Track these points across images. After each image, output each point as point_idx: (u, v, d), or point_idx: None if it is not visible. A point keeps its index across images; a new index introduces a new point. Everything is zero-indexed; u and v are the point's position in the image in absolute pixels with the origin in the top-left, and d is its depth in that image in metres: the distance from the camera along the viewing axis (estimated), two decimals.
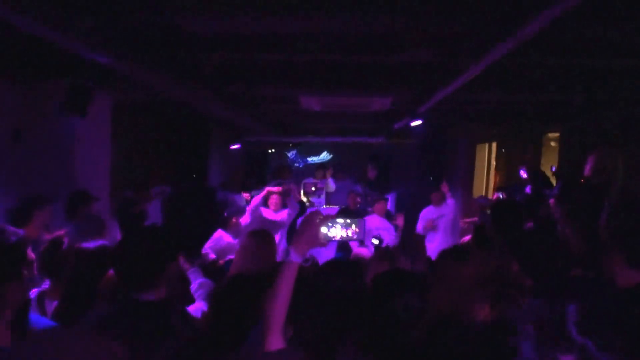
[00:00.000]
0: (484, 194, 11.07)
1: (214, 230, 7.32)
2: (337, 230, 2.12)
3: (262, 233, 3.81)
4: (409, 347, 2.06)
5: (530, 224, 5.00)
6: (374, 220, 8.07)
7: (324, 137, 13.33)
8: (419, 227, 8.91)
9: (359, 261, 4.61)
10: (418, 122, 8.13)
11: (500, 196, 8.56)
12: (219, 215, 10.31)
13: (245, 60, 5.69)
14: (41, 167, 5.66)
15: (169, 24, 4.03)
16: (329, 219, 2.10)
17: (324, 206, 10.81)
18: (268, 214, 8.15)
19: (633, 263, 2.39)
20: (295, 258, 2.02)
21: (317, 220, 2.07)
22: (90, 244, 3.06)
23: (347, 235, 2.14)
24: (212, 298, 2.55)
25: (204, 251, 6.98)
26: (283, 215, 8.19)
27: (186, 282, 3.38)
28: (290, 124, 11.96)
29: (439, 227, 8.76)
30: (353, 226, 2.14)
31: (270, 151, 15.18)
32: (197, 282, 3.39)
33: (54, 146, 5.74)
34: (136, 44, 4.24)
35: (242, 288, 2.40)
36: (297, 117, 10.29)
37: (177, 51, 4.90)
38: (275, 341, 1.92)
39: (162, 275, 2.39)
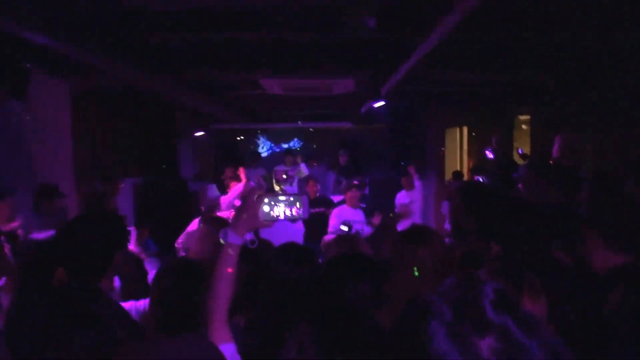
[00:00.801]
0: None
1: (187, 222, 7.17)
2: (280, 209, 1.92)
3: (216, 219, 3.70)
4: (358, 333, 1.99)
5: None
6: (345, 211, 7.90)
7: (293, 123, 13.24)
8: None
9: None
10: (381, 104, 8.11)
11: (480, 180, 8.57)
12: (192, 206, 10.23)
13: (197, 41, 5.56)
14: None
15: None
16: (270, 196, 1.93)
17: None
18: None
19: (610, 245, 2.40)
20: (234, 240, 1.86)
21: (256, 198, 1.90)
22: (41, 235, 2.95)
23: (291, 214, 1.95)
24: (152, 284, 2.43)
25: (176, 245, 6.84)
26: None
27: (144, 273, 3.25)
28: (257, 110, 11.86)
29: (412, 212, 8.72)
30: (297, 204, 1.95)
31: (239, 138, 15.03)
32: (154, 273, 3.25)
33: (10, 136, 5.56)
34: (75, 23, 4.11)
35: (183, 273, 2.28)
36: (263, 103, 10.18)
37: (120, 29, 4.75)
38: (220, 333, 1.78)
39: (109, 266, 2.26)
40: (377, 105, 8.49)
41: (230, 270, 1.83)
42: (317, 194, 8.86)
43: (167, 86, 7.06)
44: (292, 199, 1.95)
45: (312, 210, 8.09)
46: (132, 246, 3.27)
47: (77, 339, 1.40)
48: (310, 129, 14.37)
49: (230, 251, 1.86)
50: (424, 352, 0.89)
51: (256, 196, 1.90)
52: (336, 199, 8.99)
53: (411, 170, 8.92)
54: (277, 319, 1.92)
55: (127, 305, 2.74)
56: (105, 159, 8.96)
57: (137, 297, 2.84)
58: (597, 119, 7.05)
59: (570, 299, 2.43)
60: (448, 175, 10.84)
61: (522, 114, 9.28)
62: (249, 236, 1.87)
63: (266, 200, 1.90)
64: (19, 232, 4.26)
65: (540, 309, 1.85)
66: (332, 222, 7.71)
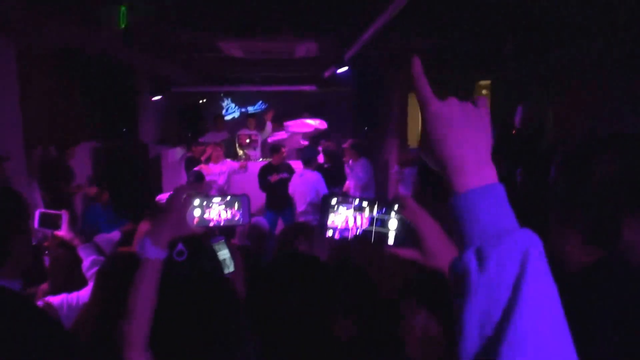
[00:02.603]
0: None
1: (148, 187, 6.96)
2: (214, 212, 1.58)
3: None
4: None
5: None
6: (311, 177, 7.37)
7: (255, 86, 13.04)
8: None
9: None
10: (344, 69, 8.00)
11: None
12: (153, 170, 9.98)
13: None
14: None
15: None
16: (202, 196, 1.56)
17: (260, 159, 10.46)
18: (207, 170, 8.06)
19: (590, 239, 2.25)
20: (153, 254, 1.45)
21: (184, 199, 1.52)
22: None
23: (229, 218, 1.59)
24: (96, 275, 2.17)
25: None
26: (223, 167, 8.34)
27: (77, 261, 3.01)
28: (219, 73, 11.60)
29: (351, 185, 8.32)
30: (236, 205, 1.60)
31: (201, 102, 14.67)
32: (89, 260, 2.82)
33: None
34: None
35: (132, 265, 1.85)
36: (223, 65, 9.91)
37: None
38: None
39: (6, 254, 1.77)
40: (340, 70, 8.33)
41: (150, 289, 1.46)
42: (284, 162, 8.46)
43: (118, 46, 6.73)
44: (228, 199, 1.61)
45: (278, 177, 7.93)
46: (63, 231, 3.01)
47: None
48: (274, 93, 14.10)
49: (148, 268, 1.46)
50: None
51: (184, 196, 1.52)
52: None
53: (345, 147, 8.34)
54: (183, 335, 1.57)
55: (58, 299, 2.54)
56: (60, 122, 8.64)
57: (69, 290, 2.64)
58: (559, 85, 6.99)
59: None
60: (409, 141, 10.71)
61: (482, 79, 9.21)
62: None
63: (197, 202, 1.56)
64: None
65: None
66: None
